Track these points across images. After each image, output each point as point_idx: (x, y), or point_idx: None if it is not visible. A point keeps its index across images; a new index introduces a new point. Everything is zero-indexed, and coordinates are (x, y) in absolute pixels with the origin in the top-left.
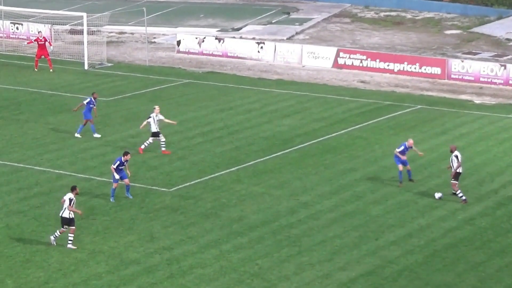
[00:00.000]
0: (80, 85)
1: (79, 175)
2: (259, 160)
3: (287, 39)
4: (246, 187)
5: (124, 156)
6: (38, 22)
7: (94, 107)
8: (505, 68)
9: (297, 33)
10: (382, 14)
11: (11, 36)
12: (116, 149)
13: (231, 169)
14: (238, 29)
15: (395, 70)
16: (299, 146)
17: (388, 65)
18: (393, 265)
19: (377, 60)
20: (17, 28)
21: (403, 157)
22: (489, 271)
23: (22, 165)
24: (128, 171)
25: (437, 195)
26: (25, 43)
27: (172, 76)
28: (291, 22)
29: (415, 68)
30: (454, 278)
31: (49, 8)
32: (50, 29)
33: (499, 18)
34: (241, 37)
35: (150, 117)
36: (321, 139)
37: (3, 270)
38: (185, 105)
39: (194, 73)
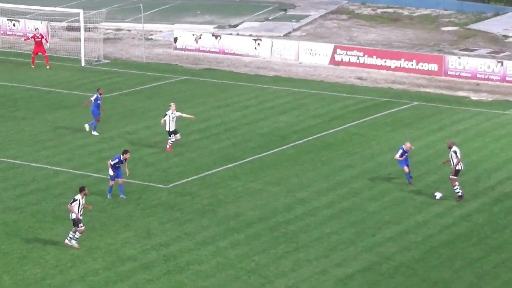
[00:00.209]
0: (77, 82)
1: (76, 171)
2: (256, 156)
3: (284, 35)
4: (243, 184)
5: (123, 155)
6: (35, 19)
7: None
8: (502, 64)
9: (294, 30)
10: (379, 10)
11: (7, 33)
12: (113, 146)
13: (228, 166)
14: (235, 26)
15: (392, 67)
16: (296, 142)
17: (385, 62)
18: (390, 261)
19: (374, 57)
20: (14, 25)
21: (404, 158)
22: (486, 267)
23: (19, 162)
24: (127, 170)
25: (438, 195)
26: (23, 39)
27: (169, 72)
28: (288, 18)
29: (412, 64)
30: (451, 274)
31: (46, 5)
32: (47, 26)
33: (496, 14)
34: (238, 34)
35: (166, 114)
36: (318, 135)
37: (0, 267)
38: (182, 101)
39: (191, 69)
